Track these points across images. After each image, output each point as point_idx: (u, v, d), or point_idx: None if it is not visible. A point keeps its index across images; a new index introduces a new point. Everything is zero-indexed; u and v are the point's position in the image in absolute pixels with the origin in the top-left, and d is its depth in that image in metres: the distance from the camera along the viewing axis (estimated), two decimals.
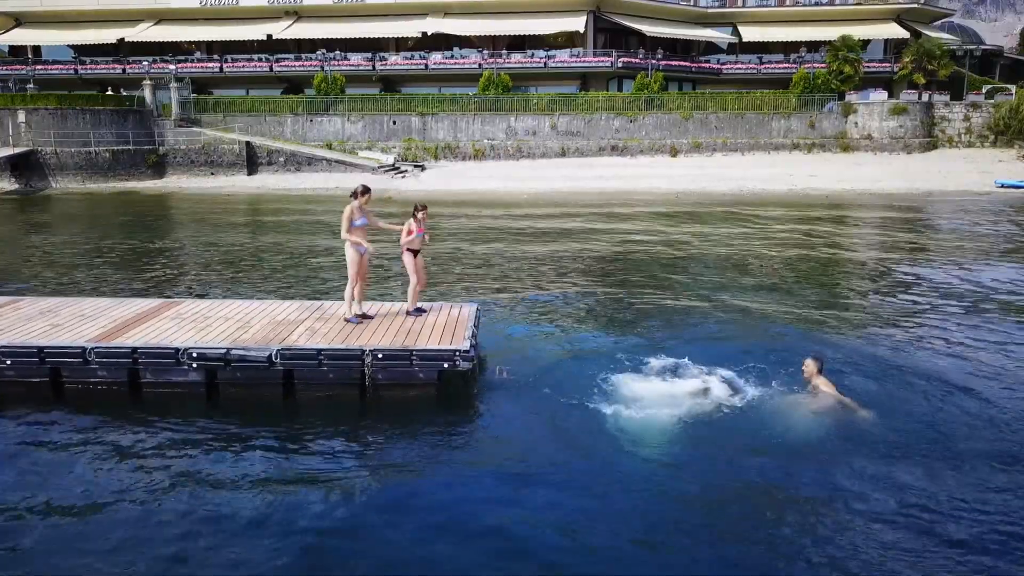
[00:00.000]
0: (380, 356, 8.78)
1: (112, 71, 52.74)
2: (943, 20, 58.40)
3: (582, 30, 50.58)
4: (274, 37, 51.80)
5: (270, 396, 8.82)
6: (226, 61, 52.63)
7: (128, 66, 52.57)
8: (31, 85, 48.76)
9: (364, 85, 51.21)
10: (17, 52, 56.20)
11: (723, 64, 54.23)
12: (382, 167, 42.85)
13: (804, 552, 5.83)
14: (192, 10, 53.18)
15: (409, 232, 9.89)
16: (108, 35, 52.15)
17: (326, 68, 49.99)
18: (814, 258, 19.51)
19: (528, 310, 13.54)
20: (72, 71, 53.23)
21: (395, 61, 52.41)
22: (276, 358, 8.74)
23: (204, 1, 52.99)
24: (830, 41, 49.41)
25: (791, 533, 6.07)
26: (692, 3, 55.41)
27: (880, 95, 48.16)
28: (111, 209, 32.40)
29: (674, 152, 46.10)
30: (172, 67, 48.82)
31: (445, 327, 9.66)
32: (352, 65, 51.37)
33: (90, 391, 8.79)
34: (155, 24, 53.38)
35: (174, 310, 10.50)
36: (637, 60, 50.78)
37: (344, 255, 9.79)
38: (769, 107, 47.56)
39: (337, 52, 51.49)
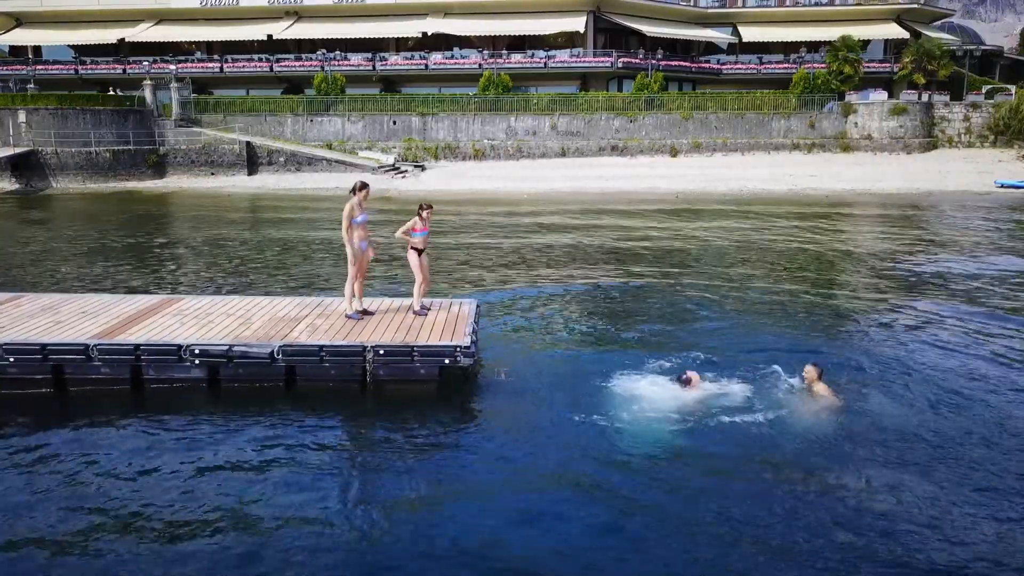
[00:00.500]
0: (381, 352, 8.83)
1: (112, 71, 52.81)
2: (943, 20, 58.47)
3: (582, 30, 50.63)
4: (274, 37, 51.86)
5: (272, 392, 8.85)
6: (226, 61, 52.68)
7: (128, 66, 52.60)
8: (31, 85, 48.80)
9: (364, 85, 51.27)
10: (18, 52, 56.28)
11: (723, 64, 54.29)
12: (382, 167, 42.89)
13: (804, 555, 5.85)
14: (192, 10, 53.23)
15: (413, 229, 9.90)
16: (108, 35, 52.18)
17: (326, 68, 50.01)
18: (814, 258, 19.55)
19: (528, 307, 13.57)
20: (72, 71, 53.27)
21: (395, 61, 52.47)
22: (278, 354, 8.79)
23: (204, 1, 53.03)
24: (830, 41, 49.48)
25: (791, 537, 6.09)
26: (692, 3, 55.47)
27: (880, 95, 48.24)
28: (111, 208, 32.41)
29: (674, 152, 46.14)
30: (172, 67, 48.90)
31: (446, 323, 9.71)
32: (352, 65, 51.42)
33: (93, 388, 8.81)
34: (155, 24, 53.43)
35: (176, 307, 10.52)
36: (637, 60, 50.84)
37: (344, 251, 9.82)
38: (769, 107, 47.62)
39: (337, 52, 51.52)
